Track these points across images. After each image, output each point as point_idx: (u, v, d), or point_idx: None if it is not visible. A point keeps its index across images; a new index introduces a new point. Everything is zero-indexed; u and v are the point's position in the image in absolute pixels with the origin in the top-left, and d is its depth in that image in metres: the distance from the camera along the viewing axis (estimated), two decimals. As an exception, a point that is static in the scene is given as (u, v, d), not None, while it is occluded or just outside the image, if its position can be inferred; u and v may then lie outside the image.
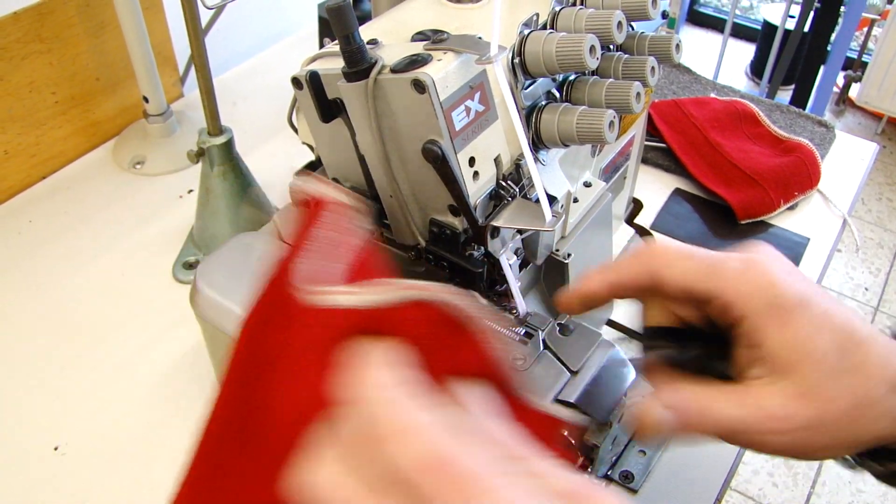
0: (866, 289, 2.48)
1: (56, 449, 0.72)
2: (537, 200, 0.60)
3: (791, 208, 0.99)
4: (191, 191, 1.01)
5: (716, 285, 0.44)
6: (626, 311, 0.84)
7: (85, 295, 0.88)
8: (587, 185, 0.73)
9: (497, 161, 0.57)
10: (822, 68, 2.63)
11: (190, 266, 0.90)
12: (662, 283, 0.46)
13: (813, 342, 0.42)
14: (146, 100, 1.04)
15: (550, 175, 0.63)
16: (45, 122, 1.01)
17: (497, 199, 0.58)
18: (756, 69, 3.16)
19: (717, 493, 0.70)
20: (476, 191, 0.56)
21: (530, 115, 0.60)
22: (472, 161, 0.55)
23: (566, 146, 0.61)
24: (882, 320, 2.39)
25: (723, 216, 0.98)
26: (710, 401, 0.44)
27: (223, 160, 0.86)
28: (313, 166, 0.74)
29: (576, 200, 0.71)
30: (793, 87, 2.75)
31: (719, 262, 0.46)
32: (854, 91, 2.98)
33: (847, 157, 1.09)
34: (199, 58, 0.79)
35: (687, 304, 0.47)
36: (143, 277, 0.90)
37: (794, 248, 0.94)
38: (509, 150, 0.58)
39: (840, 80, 2.95)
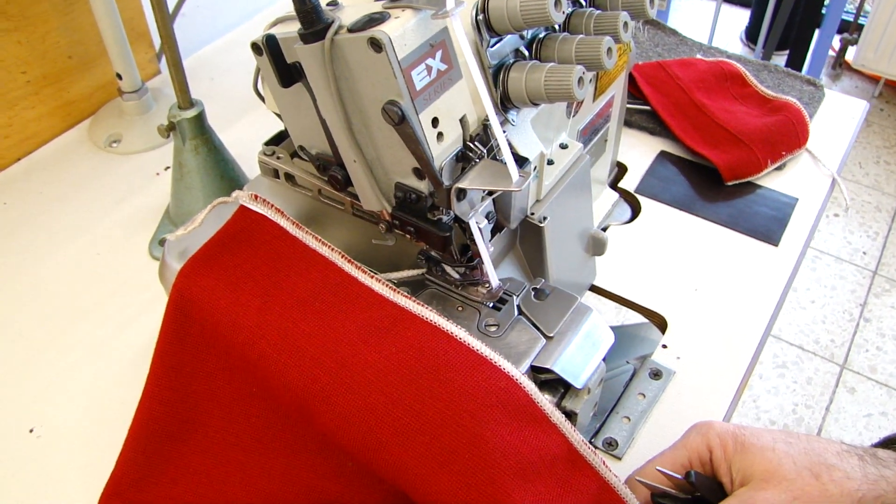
0: (864, 252, 2.46)
1: (31, 431, 0.71)
2: (505, 162, 0.58)
3: (779, 168, 0.97)
4: (167, 168, 1.00)
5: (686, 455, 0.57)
6: (608, 276, 0.83)
7: (61, 276, 0.86)
8: (563, 146, 0.71)
9: (463, 122, 0.55)
10: (817, 32, 2.59)
11: (166, 243, 0.88)
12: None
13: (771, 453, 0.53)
14: (120, 77, 1.02)
15: (522, 136, 0.61)
16: (16, 102, 0.99)
17: (464, 161, 0.56)
18: (751, 34, 3.12)
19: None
20: (441, 152, 0.54)
21: (497, 73, 0.58)
22: (435, 122, 0.53)
23: (536, 105, 0.59)
24: (880, 283, 2.37)
25: (709, 178, 0.96)
26: None
27: (195, 134, 0.84)
28: (282, 136, 0.73)
29: (551, 163, 0.69)
30: (788, 51, 2.72)
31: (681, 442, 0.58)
32: (850, 54, 2.94)
33: (837, 116, 1.07)
34: (163, 28, 0.77)
35: None
36: (120, 257, 0.88)
37: (781, 209, 0.92)
38: (476, 111, 0.57)
39: (836, 44, 2.91)
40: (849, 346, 2.19)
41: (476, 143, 0.56)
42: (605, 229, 0.89)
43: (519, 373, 0.52)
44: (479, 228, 0.58)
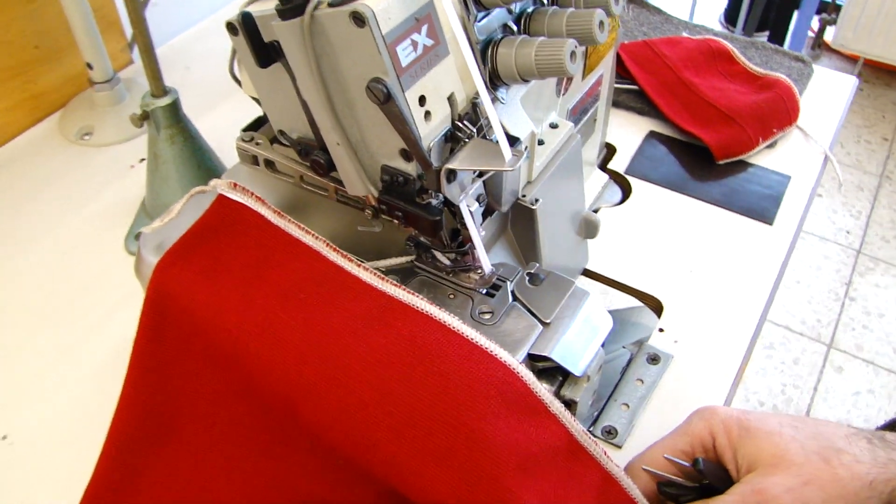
0: (848, 232, 2.46)
1: (4, 438, 0.68)
2: (497, 141, 0.56)
3: (770, 146, 0.95)
4: (142, 159, 0.96)
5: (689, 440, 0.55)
6: (601, 260, 0.81)
7: (33, 274, 0.83)
8: (553, 126, 0.69)
9: (451, 100, 0.53)
10: (795, 13, 2.58)
11: (143, 238, 0.85)
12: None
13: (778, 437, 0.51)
14: (90, 66, 0.98)
15: (512, 115, 0.59)
16: (-19, 95, 0.95)
17: (453, 140, 0.54)
18: (730, 17, 3.11)
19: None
20: (429, 132, 0.51)
21: (486, 49, 0.55)
22: (422, 100, 0.50)
23: (526, 82, 0.56)
24: (864, 262, 2.37)
25: (700, 157, 0.93)
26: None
27: (170, 123, 0.81)
28: (260, 122, 0.70)
29: (541, 143, 0.67)
30: (767, 33, 2.70)
31: (683, 428, 0.57)
32: (829, 34, 2.94)
33: (826, 93, 1.05)
34: (133, 13, 0.74)
35: None
36: (94, 253, 0.85)
37: (774, 187, 0.90)
38: (464, 89, 0.54)
39: (815, 24, 2.91)
40: (835, 325, 2.19)
41: (465, 122, 0.54)
42: (595, 212, 0.87)
43: (516, 362, 0.50)
44: (471, 212, 0.55)
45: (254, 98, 0.67)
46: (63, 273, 0.83)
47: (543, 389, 0.50)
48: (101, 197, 0.92)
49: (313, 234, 0.56)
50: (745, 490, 0.49)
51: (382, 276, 0.54)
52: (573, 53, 0.53)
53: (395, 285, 0.54)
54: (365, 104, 0.50)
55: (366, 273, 0.54)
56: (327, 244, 0.56)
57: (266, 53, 0.53)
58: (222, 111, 1.02)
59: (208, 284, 0.54)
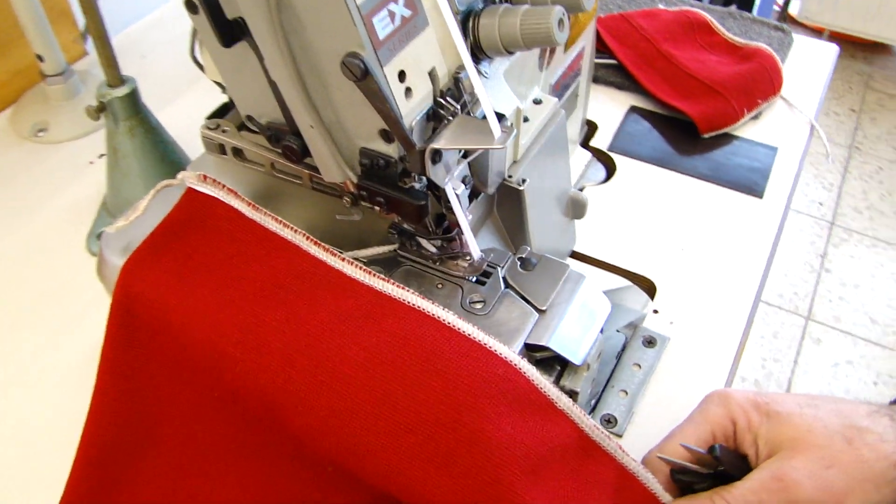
0: (821, 204, 2.46)
1: (-35, 455, 0.64)
2: (483, 118, 0.52)
3: (754, 118, 0.92)
4: (102, 155, 0.91)
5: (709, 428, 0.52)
6: (588, 241, 0.77)
7: (-11, 280, 0.78)
8: (537, 102, 0.65)
9: (432, 75, 0.49)
10: (762, -16, 2.57)
11: (106, 237, 0.80)
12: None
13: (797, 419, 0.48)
14: (40, 59, 0.92)
15: (495, 90, 0.55)
16: (-76, 92, 0.90)
17: (436, 119, 0.50)
18: (695, -8, 3.09)
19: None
20: (410, 110, 0.48)
21: (466, 21, 0.51)
22: (402, 75, 0.47)
23: (511, 54, 0.53)
24: (838, 233, 2.38)
25: (684, 131, 0.91)
26: (726, 490, 0.48)
27: (129, 114, 0.76)
28: (226, 109, 0.65)
29: (526, 120, 0.63)
30: (733, 7, 2.69)
31: (700, 416, 0.53)
32: (794, 8, 2.93)
33: (807, 61, 1.03)
34: (85, 0, 0.69)
35: None
36: (55, 256, 0.80)
37: (761, 159, 0.87)
38: (445, 62, 0.50)
39: (780, -3, 2.91)
40: (812, 297, 2.19)
41: (448, 98, 0.50)
42: (580, 191, 0.83)
43: (517, 357, 0.46)
44: (457, 194, 0.52)
45: (217, 83, 0.62)
46: (23, 279, 0.78)
47: (548, 384, 0.47)
48: (60, 196, 0.87)
49: (291, 227, 0.52)
50: (764, 476, 0.47)
51: (368, 269, 0.50)
52: (561, 21, 0.49)
53: (383, 279, 0.50)
54: (340, 82, 0.46)
55: (350, 267, 0.50)
56: (307, 237, 0.52)
57: (230, 31, 0.49)
58: (184, 100, 0.97)
59: (181, 285, 0.50)
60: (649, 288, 0.74)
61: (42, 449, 0.64)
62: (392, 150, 0.49)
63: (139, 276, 0.51)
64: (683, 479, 0.50)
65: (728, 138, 0.90)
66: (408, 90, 0.47)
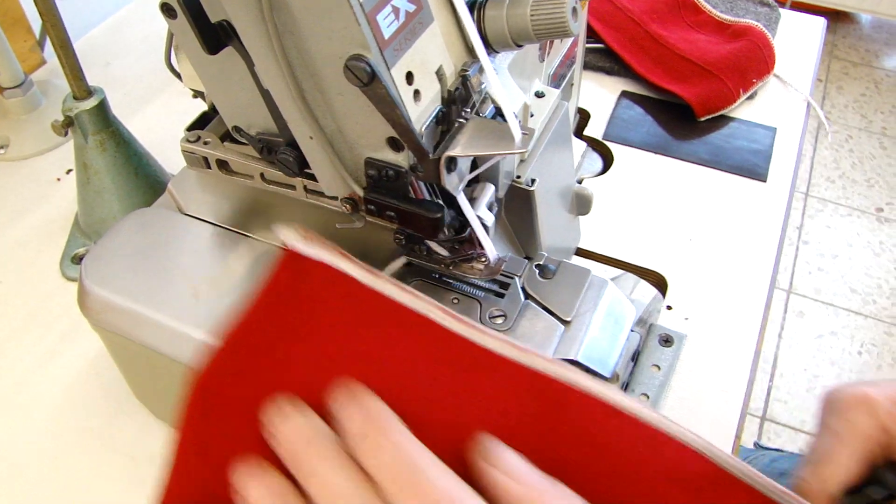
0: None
1: (-56, 507, 0.59)
2: (493, 117, 0.49)
3: (750, 98, 0.90)
4: (69, 170, 0.86)
5: None
6: (592, 237, 0.74)
7: (-44, 312, 0.72)
8: (539, 95, 0.61)
9: (440, 74, 0.45)
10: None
11: (80, 259, 0.75)
12: None
13: None
14: (-4, 71, 0.87)
15: (503, 87, 0.51)
16: None
17: (445, 122, 0.46)
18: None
19: (740, 407, 0.62)
20: (419, 115, 0.44)
21: (470, 13, 0.47)
22: (409, 77, 0.43)
23: (519, 47, 0.49)
24: (813, 204, 2.38)
25: (679, 115, 0.88)
26: None
27: (98, 128, 0.71)
28: (206, 118, 0.61)
29: (531, 115, 0.59)
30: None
31: None
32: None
33: (796, 36, 1.00)
34: (43, 4, 0.64)
35: None
36: (26, 282, 0.75)
37: (761, 141, 0.84)
38: (452, 60, 0.46)
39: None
40: (791, 270, 2.19)
41: (457, 99, 0.46)
42: (579, 183, 0.80)
43: (705, 442, 0.37)
44: (485, 226, 0.48)
45: (195, 92, 0.58)
46: (-8, 308, 0.73)
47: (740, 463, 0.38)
48: (26, 217, 0.81)
49: (421, 297, 0.39)
50: None
51: (515, 343, 0.38)
52: (574, 9, 0.46)
53: (541, 356, 0.39)
54: (341, 87, 0.42)
55: (497, 342, 0.38)
56: (439, 307, 0.39)
57: (214, 37, 0.45)
58: (154, 108, 0.92)
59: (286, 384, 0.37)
60: (660, 283, 0.71)
61: (26, 488, 0.59)
62: (402, 159, 0.45)
63: (222, 379, 0.38)
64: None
65: (725, 120, 0.87)
66: (416, 93, 0.43)
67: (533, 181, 0.57)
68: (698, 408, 0.59)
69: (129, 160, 0.73)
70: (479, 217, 0.47)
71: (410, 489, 0.29)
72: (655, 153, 0.84)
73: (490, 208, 0.49)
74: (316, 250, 0.40)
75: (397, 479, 0.29)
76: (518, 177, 0.57)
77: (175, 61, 0.55)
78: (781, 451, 0.99)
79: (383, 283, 0.39)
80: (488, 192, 0.49)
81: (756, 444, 1.03)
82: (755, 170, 0.81)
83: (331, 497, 0.30)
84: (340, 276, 0.39)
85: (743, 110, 0.89)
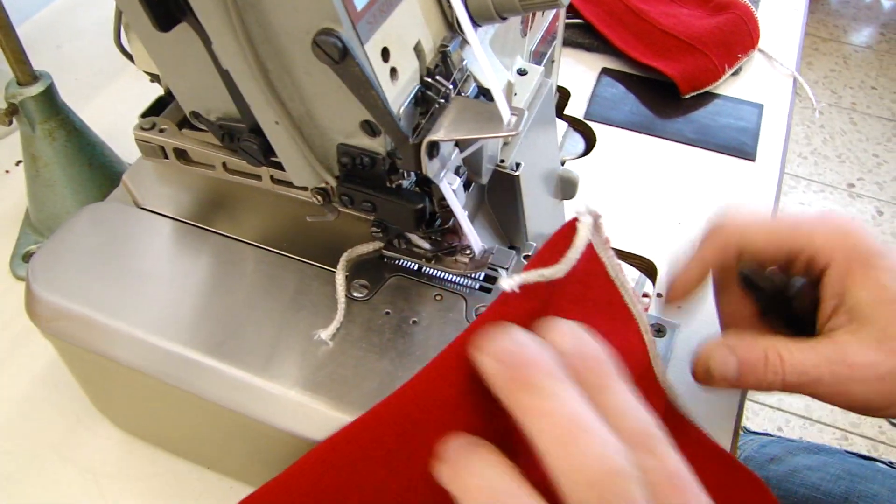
0: (769, 153, 2.45)
1: None
2: (476, 96, 0.45)
3: (735, 73, 0.86)
4: (19, 162, 0.80)
5: (799, 240, 0.46)
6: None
7: None
8: (522, 73, 0.57)
9: (418, 50, 0.41)
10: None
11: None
12: (749, 252, 0.48)
13: (893, 291, 0.42)
14: (-64, 56, 0.81)
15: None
16: None
17: (424, 102, 0.42)
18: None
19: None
20: (397, 95, 0.39)
21: (449, -17, 0.43)
22: (385, 53, 0.38)
23: (503, 20, 0.45)
24: (787, 181, 2.38)
25: (662, 92, 0.84)
26: (787, 350, 0.44)
27: (46, 116, 0.66)
28: (163, 104, 0.56)
29: (515, 94, 0.55)
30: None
31: (797, 220, 0.47)
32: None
33: (778, 9, 0.97)
34: (-21, -19, 0.59)
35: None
36: (-26, 282, 0.70)
37: (747, 118, 0.81)
38: (430, 35, 0.42)
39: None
40: (768, 248, 2.18)
41: (437, 77, 0.42)
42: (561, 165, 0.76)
43: None
44: (454, 190, 0.44)
45: (150, 74, 0.53)
46: (-64, 312, 0.68)
47: None
48: (-27, 212, 0.76)
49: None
50: (833, 356, 0.42)
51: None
52: (564, -23, 0.42)
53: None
54: (309, 66, 0.38)
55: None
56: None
57: (167, 12, 0.40)
58: (110, 93, 0.86)
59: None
60: (649, 269, 0.68)
61: (-21, 517, 0.55)
62: (378, 144, 0.41)
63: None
64: (752, 280, 0.50)
65: (710, 97, 0.84)
66: (393, 70, 0.39)
67: (518, 165, 0.53)
68: (698, 401, 0.56)
69: (81, 150, 0.68)
70: (448, 184, 0.43)
71: None
72: (640, 132, 0.80)
73: (458, 173, 0.45)
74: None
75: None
76: (502, 161, 0.53)
77: (125, 41, 0.51)
78: (770, 434, 0.97)
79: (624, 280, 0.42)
80: (455, 157, 0.45)
81: (744, 429, 1.01)
82: (743, 149, 0.78)
83: None
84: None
85: (728, 87, 0.86)
